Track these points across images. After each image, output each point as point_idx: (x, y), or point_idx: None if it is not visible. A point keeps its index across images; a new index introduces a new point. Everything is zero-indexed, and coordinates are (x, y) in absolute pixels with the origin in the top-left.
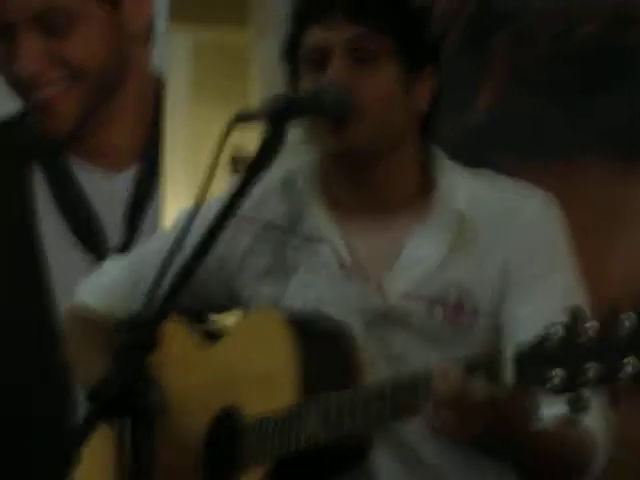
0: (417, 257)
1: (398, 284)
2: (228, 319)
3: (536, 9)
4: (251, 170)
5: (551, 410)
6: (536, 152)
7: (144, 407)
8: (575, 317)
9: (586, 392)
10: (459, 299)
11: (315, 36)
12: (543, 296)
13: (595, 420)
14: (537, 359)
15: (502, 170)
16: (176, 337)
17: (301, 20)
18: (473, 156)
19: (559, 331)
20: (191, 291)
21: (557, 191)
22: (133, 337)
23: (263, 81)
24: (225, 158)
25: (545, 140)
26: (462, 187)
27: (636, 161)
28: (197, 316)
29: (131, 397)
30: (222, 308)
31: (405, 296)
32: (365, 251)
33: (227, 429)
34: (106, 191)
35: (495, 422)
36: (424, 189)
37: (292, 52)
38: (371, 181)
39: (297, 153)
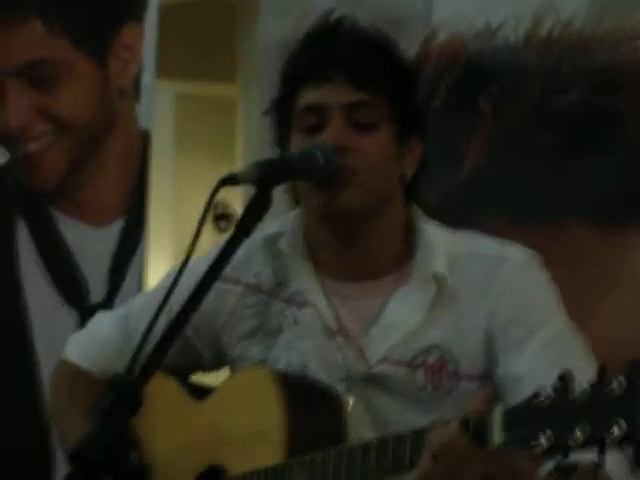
0: (395, 321)
1: (378, 348)
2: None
3: (523, 71)
4: (236, 232)
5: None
6: (521, 214)
7: (125, 468)
8: (564, 380)
9: (573, 455)
10: (440, 361)
11: (313, 96)
12: (537, 352)
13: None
14: (525, 421)
15: (487, 232)
16: (165, 394)
17: (297, 78)
18: (458, 217)
19: (548, 394)
20: (178, 350)
21: (542, 254)
22: (116, 398)
23: (248, 135)
24: (209, 215)
25: (530, 202)
26: (442, 249)
27: (622, 225)
28: (184, 375)
29: (112, 458)
30: (209, 367)
31: (385, 360)
32: (348, 315)
33: None
34: (90, 245)
35: None
36: (407, 253)
37: (284, 109)
38: (357, 244)
39: (282, 214)
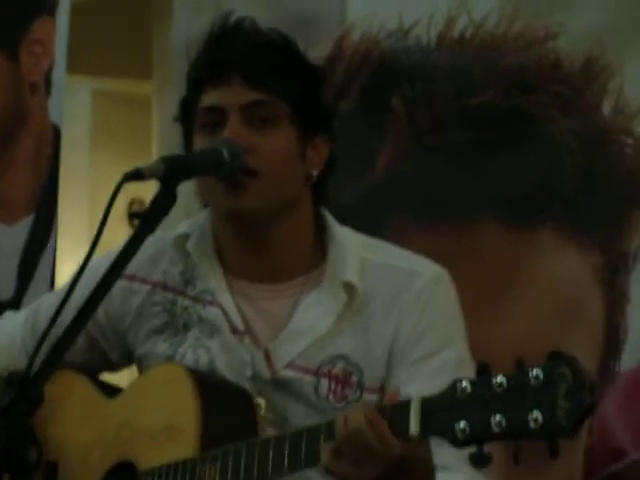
0: (304, 326)
1: (285, 353)
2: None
3: (435, 71)
4: (141, 228)
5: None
6: (433, 213)
7: (23, 466)
8: (482, 371)
9: (488, 447)
10: (345, 371)
11: (212, 97)
12: (431, 374)
13: None
14: (442, 411)
15: (399, 231)
16: (75, 391)
17: (197, 82)
18: (372, 216)
19: (466, 385)
20: (85, 350)
21: (452, 251)
22: (15, 395)
23: (163, 131)
24: (123, 212)
25: (442, 201)
26: (354, 256)
27: (531, 224)
28: (93, 374)
29: (10, 456)
30: (116, 367)
31: (291, 366)
32: (256, 316)
33: None
34: None
35: (395, 473)
36: (318, 256)
37: (187, 113)
38: (264, 245)
39: (191, 214)
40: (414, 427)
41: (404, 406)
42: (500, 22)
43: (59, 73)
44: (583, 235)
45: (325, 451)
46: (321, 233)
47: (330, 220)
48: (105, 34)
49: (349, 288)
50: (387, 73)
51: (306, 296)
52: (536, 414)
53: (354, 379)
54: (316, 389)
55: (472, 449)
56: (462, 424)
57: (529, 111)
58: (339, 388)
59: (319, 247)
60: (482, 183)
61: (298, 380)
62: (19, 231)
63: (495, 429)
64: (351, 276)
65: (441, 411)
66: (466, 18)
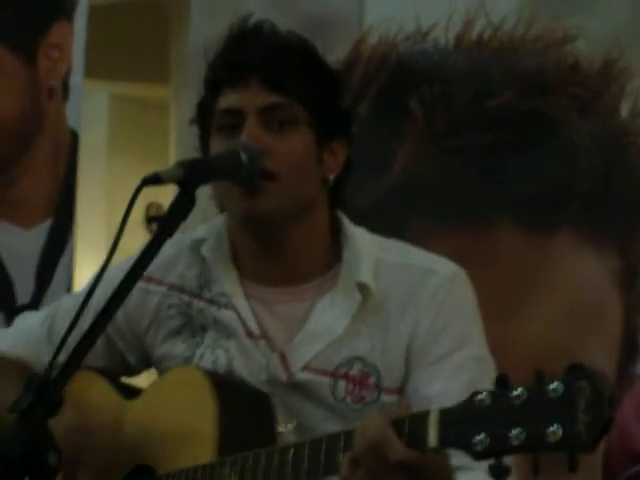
0: (320, 328)
1: (301, 355)
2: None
3: (453, 74)
4: (160, 232)
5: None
6: (451, 215)
7: (44, 468)
8: (501, 384)
9: (508, 459)
10: (363, 373)
11: (230, 100)
12: (451, 373)
13: None
14: (461, 424)
15: (418, 233)
16: (94, 393)
17: (215, 85)
18: (389, 219)
19: (485, 397)
20: (105, 354)
21: (470, 254)
22: (35, 398)
23: (181, 136)
24: (141, 216)
25: (460, 204)
26: (369, 257)
27: (549, 227)
28: (112, 377)
29: (30, 459)
30: (135, 371)
31: (308, 368)
32: (271, 320)
33: None
34: (17, 246)
35: None
36: (333, 258)
37: (205, 116)
38: (280, 248)
39: (209, 218)
40: (433, 439)
41: (422, 417)
42: (518, 24)
43: (77, 78)
44: (601, 238)
45: (343, 461)
46: (337, 235)
47: (345, 222)
48: (123, 38)
49: (364, 289)
50: (405, 76)
51: (321, 298)
52: (555, 428)
53: (372, 380)
54: (333, 391)
55: (491, 461)
56: (481, 436)
57: (547, 113)
58: (356, 390)
59: (335, 249)
60: (500, 185)
61: (315, 382)
62: (37, 235)
63: (514, 442)
64: (365, 277)
65: (459, 423)
66: (484, 20)
